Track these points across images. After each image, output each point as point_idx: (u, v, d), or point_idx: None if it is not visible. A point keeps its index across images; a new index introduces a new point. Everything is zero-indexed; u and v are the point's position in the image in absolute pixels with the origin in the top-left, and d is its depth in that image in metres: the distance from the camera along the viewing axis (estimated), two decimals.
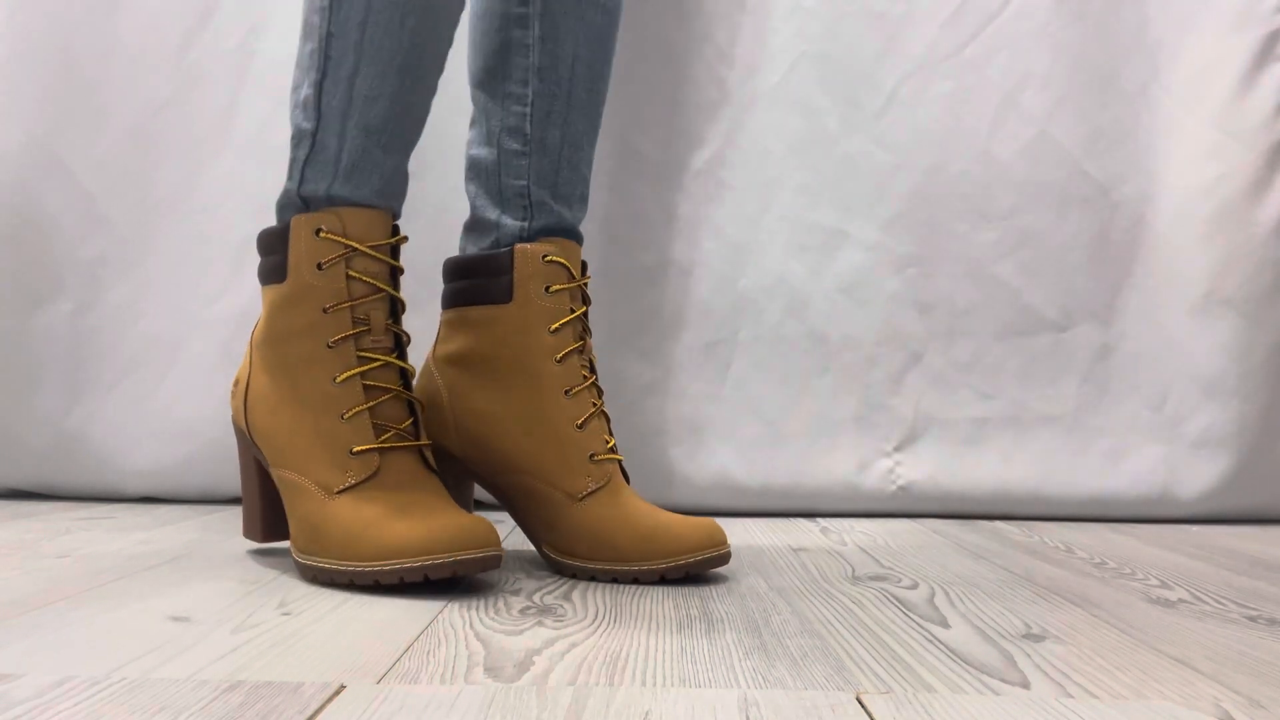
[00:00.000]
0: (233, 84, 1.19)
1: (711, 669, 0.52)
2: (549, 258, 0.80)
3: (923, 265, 1.19)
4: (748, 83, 1.20)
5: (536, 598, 0.69)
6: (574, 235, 0.85)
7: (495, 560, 0.69)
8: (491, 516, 1.00)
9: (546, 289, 0.80)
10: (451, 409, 0.82)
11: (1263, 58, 1.18)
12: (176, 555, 0.83)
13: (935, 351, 1.20)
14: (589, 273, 0.86)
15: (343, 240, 0.75)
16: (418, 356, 0.84)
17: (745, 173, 1.20)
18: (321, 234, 0.74)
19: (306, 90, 0.77)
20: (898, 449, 1.19)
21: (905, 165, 1.19)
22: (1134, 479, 1.17)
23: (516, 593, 0.71)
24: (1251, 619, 0.66)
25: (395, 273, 0.77)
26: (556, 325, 0.80)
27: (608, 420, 0.82)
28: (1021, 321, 1.19)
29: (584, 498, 0.77)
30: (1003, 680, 0.51)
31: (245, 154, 1.18)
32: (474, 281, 0.83)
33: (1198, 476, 1.17)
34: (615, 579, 0.75)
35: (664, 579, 0.74)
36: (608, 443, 0.80)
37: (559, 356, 0.79)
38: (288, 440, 0.74)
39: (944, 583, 0.76)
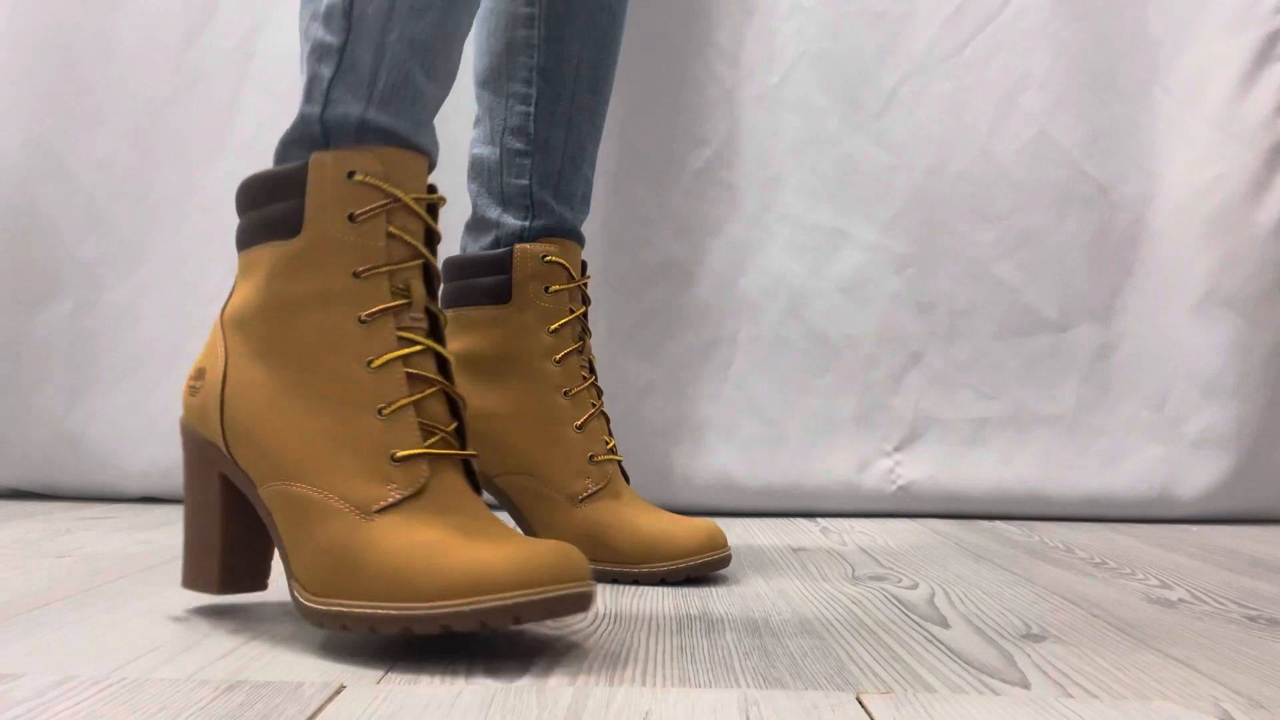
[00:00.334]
0: (233, 84, 1.19)
1: (711, 669, 0.52)
2: (548, 258, 0.80)
3: (923, 265, 1.19)
4: (748, 83, 1.20)
5: None
6: (575, 236, 0.85)
7: (591, 598, 0.54)
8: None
9: (546, 289, 0.79)
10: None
11: (1263, 58, 1.18)
12: (176, 555, 0.83)
13: (935, 351, 1.20)
14: (589, 273, 0.86)
15: (384, 186, 0.58)
16: None
17: (745, 173, 1.20)
18: (356, 178, 0.58)
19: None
20: (898, 449, 1.19)
21: (905, 165, 1.19)
22: (1134, 479, 1.17)
23: None
24: (1251, 619, 0.66)
25: (433, 237, 0.61)
26: (555, 326, 0.79)
27: (607, 420, 0.81)
28: (1021, 321, 1.19)
29: (584, 499, 0.76)
30: (1003, 680, 0.51)
31: (245, 154, 1.18)
32: (473, 281, 0.82)
33: (1198, 476, 1.17)
34: (615, 580, 0.75)
35: (664, 581, 0.75)
36: (607, 443, 0.79)
37: (558, 357, 0.78)
38: (298, 444, 0.57)
39: (944, 583, 0.76)
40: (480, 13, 0.87)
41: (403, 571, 0.52)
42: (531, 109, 0.84)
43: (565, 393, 0.78)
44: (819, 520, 1.14)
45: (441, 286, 0.79)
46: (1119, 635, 0.61)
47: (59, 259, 1.19)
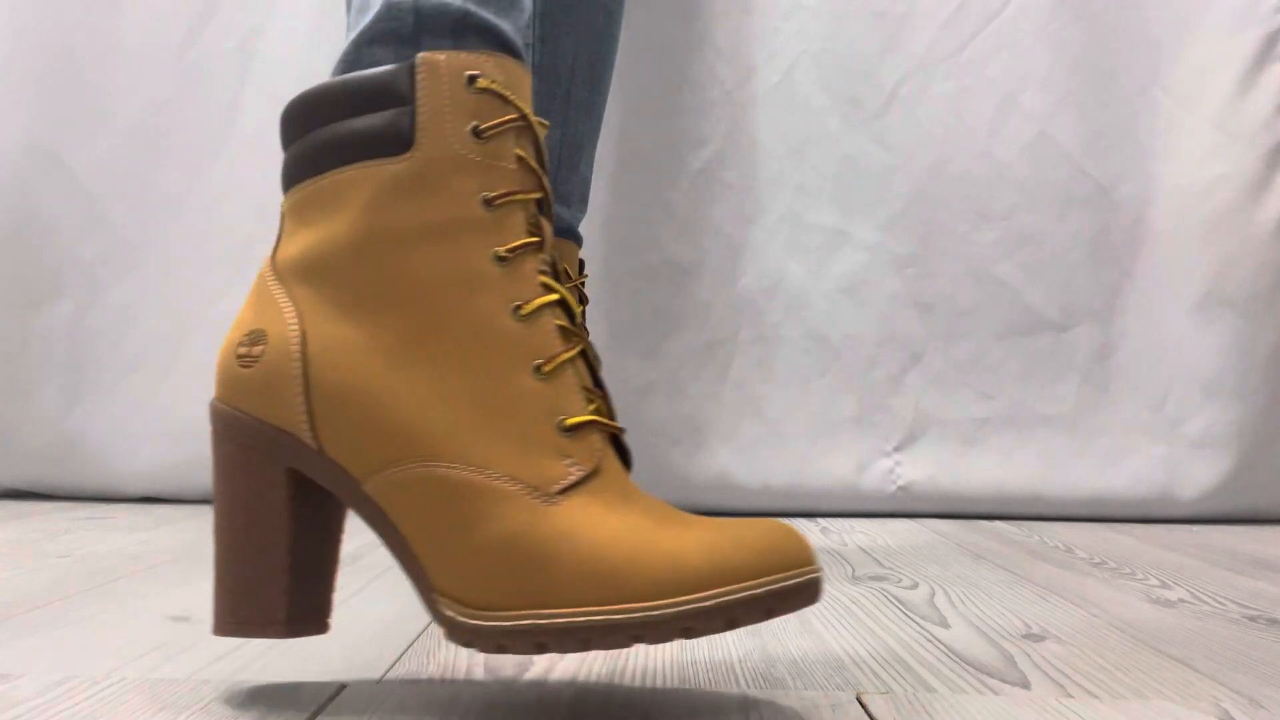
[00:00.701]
0: (233, 84, 1.19)
1: (711, 669, 0.52)
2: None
3: (923, 265, 1.19)
4: (748, 82, 1.20)
5: None
6: (573, 235, 0.85)
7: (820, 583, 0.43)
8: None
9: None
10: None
11: (1263, 58, 1.18)
12: (176, 555, 0.83)
13: (935, 351, 1.20)
14: (587, 272, 0.86)
15: (510, 97, 0.47)
16: None
17: (745, 172, 1.20)
18: (479, 83, 0.46)
19: None
20: (898, 449, 1.19)
21: (905, 165, 1.19)
22: (1134, 479, 1.17)
23: None
24: (1251, 619, 0.66)
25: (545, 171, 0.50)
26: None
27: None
28: (1021, 321, 1.19)
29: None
30: (1003, 680, 0.51)
31: (245, 154, 1.18)
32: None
33: (1198, 476, 1.17)
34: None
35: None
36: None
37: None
38: (439, 413, 0.44)
39: (944, 583, 0.76)
40: None
41: (617, 566, 0.40)
42: None
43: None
44: (819, 520, 1.14)
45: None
46: (1119, 635, 0.61)
47: (59, 259, 1.19)
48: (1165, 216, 1.19)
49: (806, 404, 1.19)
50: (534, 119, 0.47)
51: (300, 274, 0.47)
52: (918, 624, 0.63)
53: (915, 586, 0.75)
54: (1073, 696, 0.48)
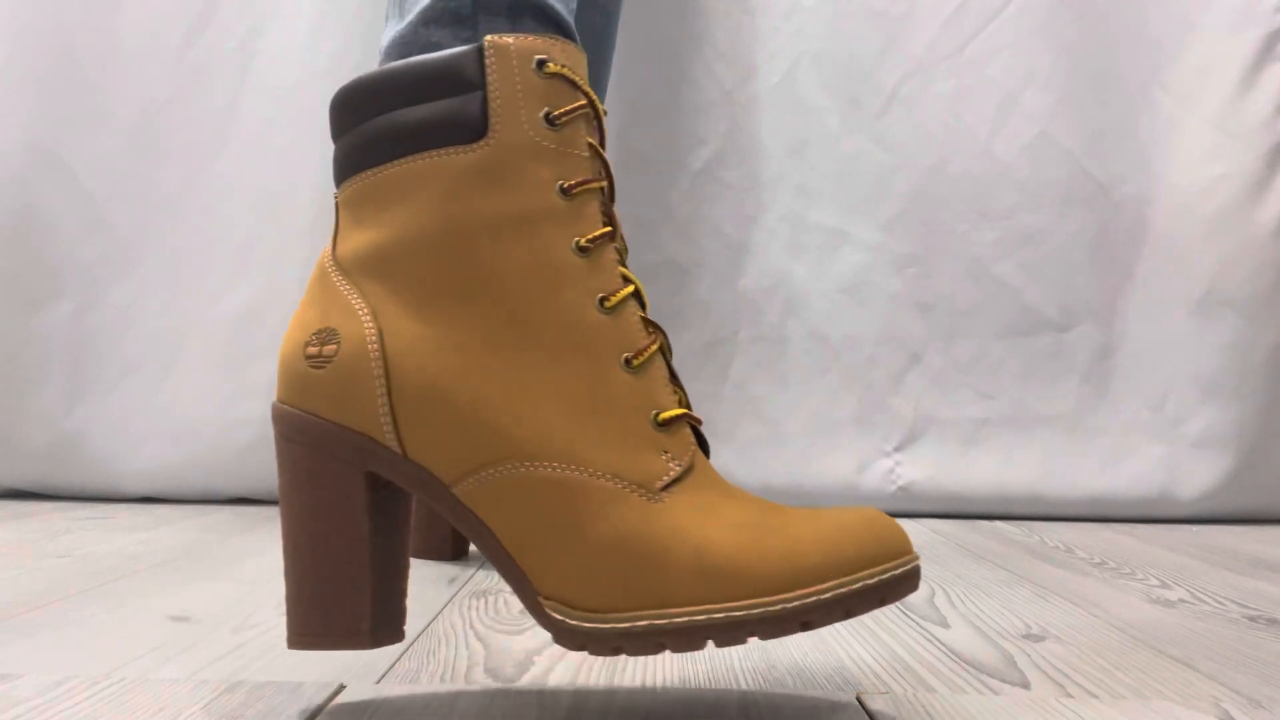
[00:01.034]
0: (234, 84, 1.19)
1: (711, 670, 0.52)
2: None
3: (923, 265, 1.19)
4: (747, 82, 1.20)
5: None
6: None
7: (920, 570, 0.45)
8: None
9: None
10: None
11: (1263, 58, 1.18)
12: (176, 555, 0.83)
13: (935, 351, 1.20)
14: None
15: (579, 82, 0.45)
16: None
17: (745, 172, 1.20)
18: (549, 68, 0.44)
19: None
20: (898, 449, 1.19)
21: (905, 165, 1.19)
22: (1134, 479, 1.17)
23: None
24: (1251, 619, 0.66)
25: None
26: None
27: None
28: (1022, 321, 1.19)
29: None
30: (1003, 680, 0.51)
31: (245, 154, 1.18)
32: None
33: (1198, 476, 1.17)
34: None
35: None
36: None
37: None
38: (534, 411, 0.42)
39: (944, 583, 0.76)
40: None
41: (732, 562, 0.40)
42: None
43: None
44: None
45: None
46: (1119, 635, 0.61)
47: (59, 259, 1.19)
48: (1165, 216, 1.19)
49: (806, 404, 1.19)
50: (599, 105, 0.46)
51: (369, 269, 0.45)
52: (918, 624, 0.63)
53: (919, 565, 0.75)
54: (1073, 696, 0.48)
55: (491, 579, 0.75)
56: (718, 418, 1.18)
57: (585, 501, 0.41)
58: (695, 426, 0.45)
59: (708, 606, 0.39)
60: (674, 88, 1.20)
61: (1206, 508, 1.17)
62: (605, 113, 0.47)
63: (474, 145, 0.44)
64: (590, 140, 0.45)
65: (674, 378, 0.45)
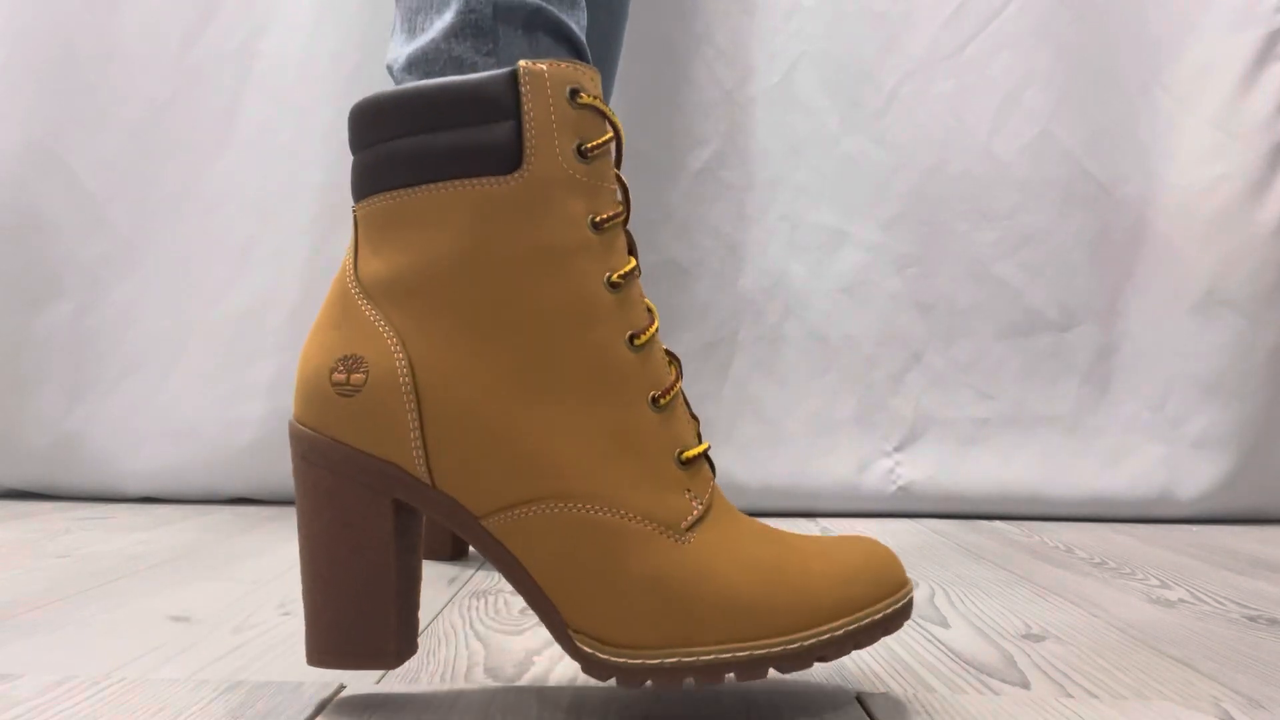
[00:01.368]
0: (234, 85, 1.19)
1: None
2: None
3: (923, 265, 1.19)
4: (748, 82, 1.20)
5: None
6: None
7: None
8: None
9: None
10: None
11: (1263, 58, 1.18)
12: (176, 555, 0.83)
13: (935, 351, 1.20)
14: None
15: (609, 114, 0.45)
16: None
17: (745, 172, 1.20)
18: (581, 98, 0.44)
19: None
20: (898, 449, 1.19)
21: (905, 165, 1.19)
22: (1134, 479, 1.17)
23: (516, 593, 0.71)
24: (1251, 619, 0.66)
25: None
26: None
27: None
28: (1022, 321, 1.19)
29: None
30: (1003, 680, 0.51)
31: (246, 154, 1.18)
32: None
33: (1198, 476, 1.17)
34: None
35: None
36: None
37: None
38: (567, 450, 0.43)
39: (944, 583, 0.76)
40: None
41: (754, 603, 0.42)
42: None
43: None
44: (819, 520, 1.14)
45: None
46: (1119, 635, 0.61)
47: (59, 259, 1.19)
48: (1165, 216, 1.19)
49: (806, 404, 1.19)
50: (622, 133, 0.46)
51: (396, 296, 0.44)
52: (918, 624, 0.63)
53: (916, 587, 0.75)
54: (1073, 696, 0.48)
55: (492, 579, 0.75)
56: (718, 418, 1.18)
57: (619, 543, 0.42)
58: (707, 455, 0.46)
59: (732, 645, 0.41)
60: (674, 88, 1.20)
61: (1206, 508, 1.17)
62: (623, 136, 0.47)
63: (509, 177, 0.43)
64: (617, 172, 0.46)
65: (688, 407, 0.46)
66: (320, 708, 0.45)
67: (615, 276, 0.44)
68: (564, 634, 0.43)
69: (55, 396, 1.18)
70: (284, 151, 1.17)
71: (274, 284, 1.17)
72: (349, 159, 0.48)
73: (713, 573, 0.42)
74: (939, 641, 0.59)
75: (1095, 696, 0.48)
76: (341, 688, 0.48)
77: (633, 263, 0.45)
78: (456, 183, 0.43)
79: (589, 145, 0.44)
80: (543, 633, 0.59)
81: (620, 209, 0.45)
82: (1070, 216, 1.19)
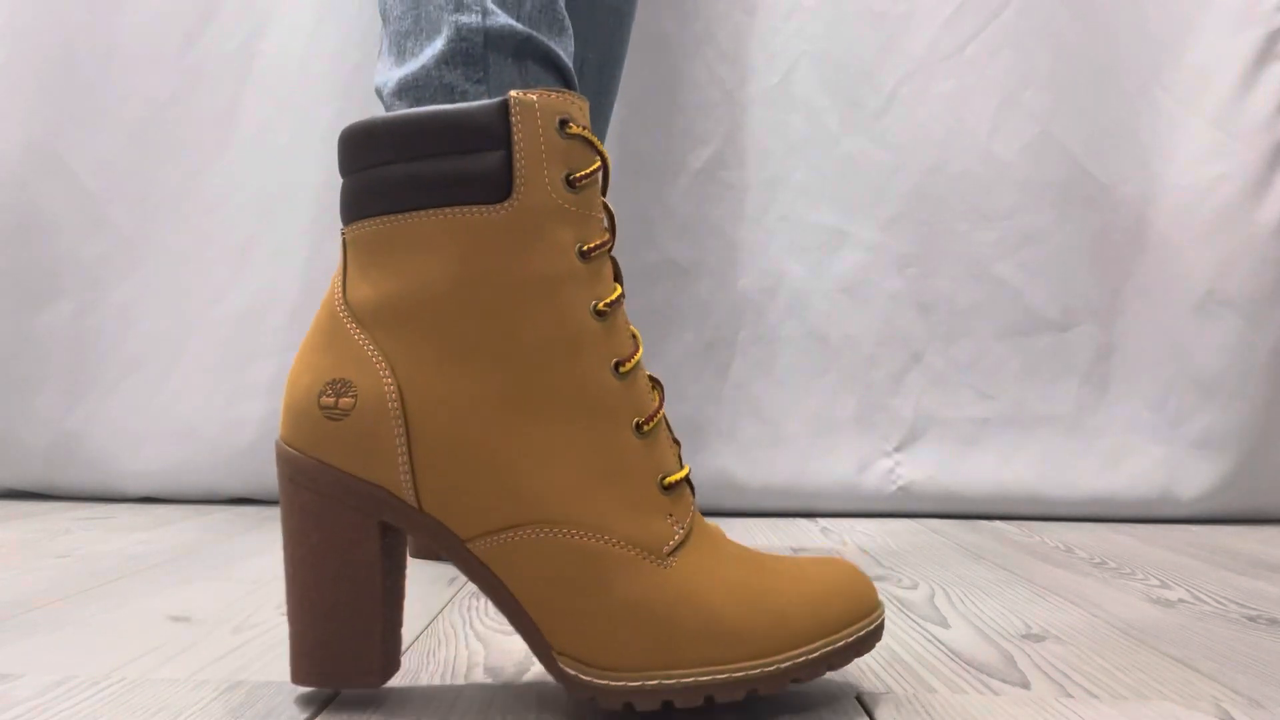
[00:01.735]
0: (234, 85, 1.19)
1: None
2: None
3: (923, 265, 1.19)
4: (748, 82, 1.20)
5: None
6: None
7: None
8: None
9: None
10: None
11: (1263, 58, 1.18)
12: (176, 555, 0.83)
13: (935, 351, 1.20)
14: None
15: (596, 144, 0.46)
16: None
17: (745, 172, 1.20)
18: (570, 129, 0.45)
19: None
20: (898, 449, 1.19)
21: (905, 165, 1.19)
22: (1134, 479, 1.17)
23: None
24: (1251, 619, 0.66)
25: None
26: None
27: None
28: (1022, 321, 1.19)
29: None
30: (1003, 680, 0.51)
31: (246, 154, 1.18)
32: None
33: (1198, 476, 1.17)
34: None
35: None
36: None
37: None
38: (552, 477, 0.44)
39: (944, 583, 0.76)
40: None
41: (733, 627, 0.43)
42: None
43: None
44: (819, 520, 1.14)
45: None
46: (1119, 635, 0.61)
47: (59, 259, 1.19)
48: (1165, 216, 1.19)
49: (806, 404, 1.19)
50: (609, 162, 0.47)
51: (384, 321, 0.45)
52: (918, 624, 0.63)
53: (915, 586, 0.75)
54: (1073, 696, 0.48)
55: None
56: (718, 418, 1.18)
57: (604, 569, 0.43)
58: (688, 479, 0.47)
59: (712, 668, 0.43)
60: (674, 88, 1.20)
61: (1206, 508, 1.17)
62: (610, 164, 0.48)
63: (499, 206, 0.44)
64: (604, 200, 0.46)
65: (670, 431, 0.47)
66: (320, 708, 0.45)
67: (601, 305, 0.45)
68: (547, 655, 0.44)
69: (55, 396, 1.18)
70: (284, 151, 1.17)
71: (274, 284, 1.17)
72: None
73: (694, 596, 0.43)
74: (939, 641, 0.59)
75: (1095, 696, 0.48)
76: None
77: (618, 290, 0.46)
78: (446, 210, 0.44)
79: (578, 175, 0.45)
80: None
81: (607, 237, 0.46)
82: (1070, 216, 1.19)
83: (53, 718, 0.43)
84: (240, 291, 1.17)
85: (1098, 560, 0.88)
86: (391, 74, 0.56)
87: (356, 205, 0.46)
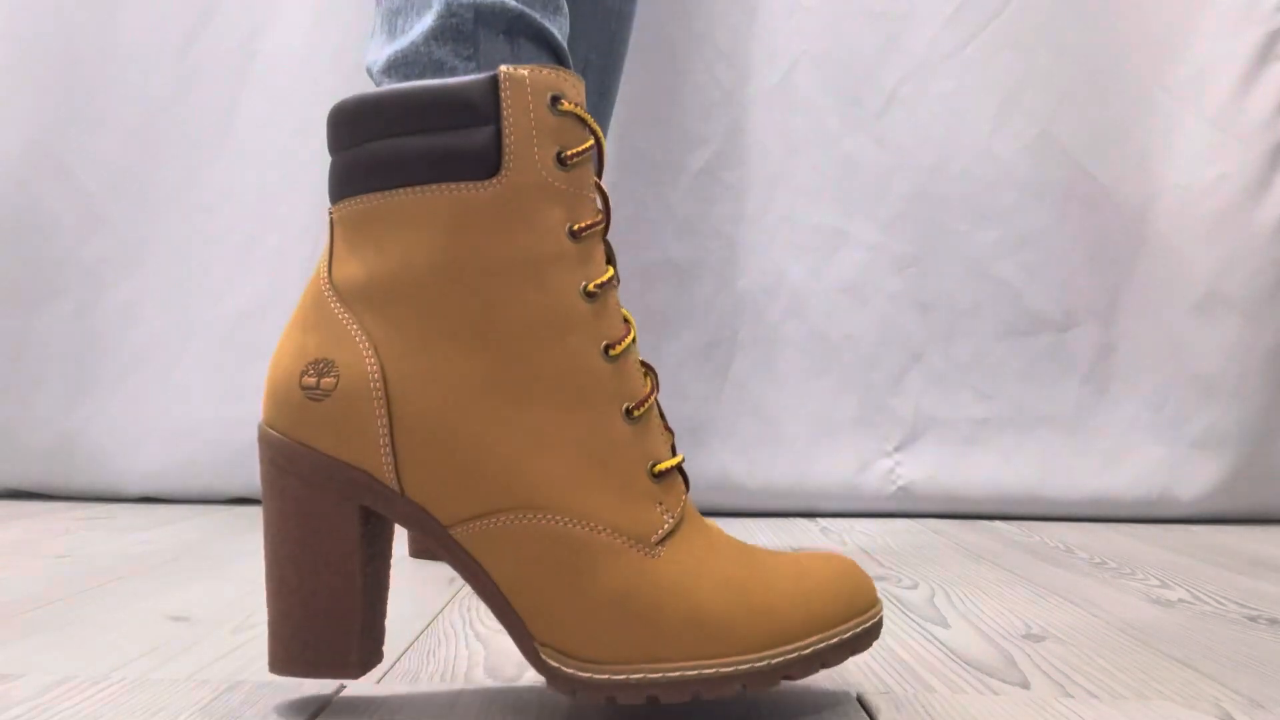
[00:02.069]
0: (233, 84, 1.19)
1: None
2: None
3: (923, 265, 1.19)
4: (748, 82, 1.20)
5: None
6: None
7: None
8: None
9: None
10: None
11: (1263, 58, 1.18)
12: (176, 555, 0.83)
13: (935, 351, 1.20)
14: None
15: (589, 121, 0.45)
16: None
17: (745, 172, 1.20)
18: (562, 105, 0.44)
19: None
20: (898, 449, 1.19)
21: (905, 165, 1.19)
22: (1134, 479, 1.17)
23: None
24: (1251, 619, 0.66)
25: None
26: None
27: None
28: (1022, 321, 1.19)
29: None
30: (1003, 680, 0.51)
31: (245, 154, 1.18)
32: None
33: (1198, 476, 1.17)
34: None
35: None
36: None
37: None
38: (538, 461, 0.42)
39: (944, 583, 0.76)
40: None
41: (722, 620, 0.41)
42: None
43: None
44: (819, 520, 1.14)
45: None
46: (1119, 635, 0.61)
47: (59, 259, 1.19)
48: (1165, 216, 1.19)
49: (806, 404, 1.19)
50: (603, 141, 0.45)
51: (369, 300, 0.44)
52: (918, 624, 0.63)
53: (915, 586, 0.75)
54: (1073, 696, 0.48)
55: None
56: (718, 418, 1.18)
57: (587, 556, 0.41)
58: (680, 467, 0.45)
59: (698, 662, 0.41)
60: (674, 88, 1.20)
61: (1206, 508, 1.17)
62: (605, 143, 0.47)
63: (486, 182, 0.43)
64: (597, 180, 0.45)
65: (664, 420, 0.46)
66: (320, 708, 0.45)
67: (591, 286, 0.44)
68: (529, 646, 0.42)
69: (55, 396, 1.18)
70: (284, 152, 1.17)
71: (274, 284, 1.17)
72: None
73: (682, 588, 0.42)
74: (939, 641, 0.59)
75: (1095, 696, 0.48)
76: (342, 687, 0.48)
77: (610, 272, 0.45)
78: (434, 187, 0.43)
79: (569, 153, 0.44)
80: None
81: (599, 218, 0.45)
82: (1070, 216, 1.19)
83: (53, 718, 0.43)
84: (240, 291, 1.17)
85: (1098, 560, 0.88)
86: (381, 51, 0.55)
87: (344, 183, 0.45)
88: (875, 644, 0.57)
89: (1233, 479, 1.17)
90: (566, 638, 0.41)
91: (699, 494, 1.16)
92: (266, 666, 0.51)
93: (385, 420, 0.43)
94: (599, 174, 0.46)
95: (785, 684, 0.44)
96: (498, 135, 0.43)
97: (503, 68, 0.43)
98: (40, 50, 1.18)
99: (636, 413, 0.44)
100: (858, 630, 0.44)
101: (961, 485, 1.17)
